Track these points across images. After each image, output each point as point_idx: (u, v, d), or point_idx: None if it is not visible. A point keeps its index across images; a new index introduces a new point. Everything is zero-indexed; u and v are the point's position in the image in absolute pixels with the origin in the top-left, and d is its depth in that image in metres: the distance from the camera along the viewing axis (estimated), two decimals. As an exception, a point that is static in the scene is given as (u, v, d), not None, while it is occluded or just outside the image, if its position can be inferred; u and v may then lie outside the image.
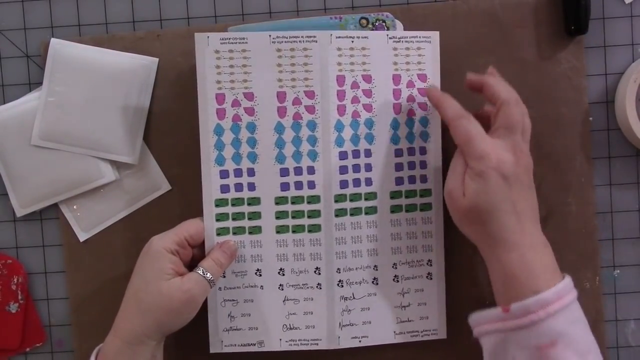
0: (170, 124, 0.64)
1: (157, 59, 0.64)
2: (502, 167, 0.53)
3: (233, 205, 0.61)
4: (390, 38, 0.61)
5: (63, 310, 0.66)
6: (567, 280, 0.54)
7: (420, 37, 0.62)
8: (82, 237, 0.65)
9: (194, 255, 0.60)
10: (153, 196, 0.65)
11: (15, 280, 0.65)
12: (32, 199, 0.64)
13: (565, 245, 0.65)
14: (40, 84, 0.64)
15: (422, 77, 0.62)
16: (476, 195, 0.54)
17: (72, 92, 0.63)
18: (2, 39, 0.66)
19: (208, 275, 0.57)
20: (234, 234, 0.61)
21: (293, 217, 0.61)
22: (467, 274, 0.64)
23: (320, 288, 0.61)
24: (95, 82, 0.63)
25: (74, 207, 0.65)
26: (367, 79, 0.61)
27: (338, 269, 0.61)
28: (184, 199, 0.64)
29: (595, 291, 0.65)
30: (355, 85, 0.61)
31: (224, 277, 0.61)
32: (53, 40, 0.64)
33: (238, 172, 0.61)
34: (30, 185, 0.64)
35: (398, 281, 0.62)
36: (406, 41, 0.61)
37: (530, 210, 0.55)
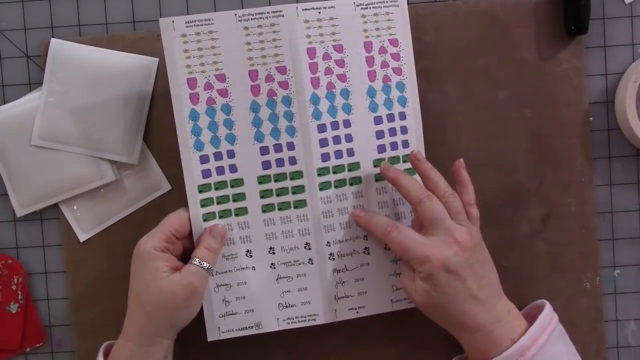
0: (170, 124, 0.64)
1: (157, 59, 0.64)
2: (447, 263, 0.54)
3: (216, 189, 0.60)
4: (357, 5, 0.60)
5: (63, 310, 0.66)
6: (541, 319, 0.56)
7: (387, 1, 0.61)
8: (82, 237, 0.65)
9: (184, 247, 0.60)
10: (153, 196, 0.65)
11: (16, 280, 0.65)
12: (32, 199, 0.64)
13: (565, 245, 0.65)
14: (40, 84, 0.64)
15: (394, 42, 0.61)
16: (429, 295, 0.55)
17: (72, 92, 0.63)
18: (2, 39, 0.66)
19: (204, 264, 0.57)
20: (220, 217, 0.60)
21: (278, 195, 0.61)
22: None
23: (312, 263, 0.61)
24: (95, 82, 0.63)
25: (74, 207, 0.65)
26: (339, 49, 0.61)
27: (328, 242, 0.61)
28: (184, 199, 0.64)
29: (595, 291, 0.65)
30: (326, 57, 0.60)
31: None
32: (53, 40, 0.64)
33: (218, 156, 0.60)
34: (30, 185, 0.64)
35: (389, 249, 0.62)
36: (374, 7, 0.61)
37: (489, 285, 0.56)
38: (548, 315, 0.57)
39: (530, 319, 0.56)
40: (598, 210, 0.65)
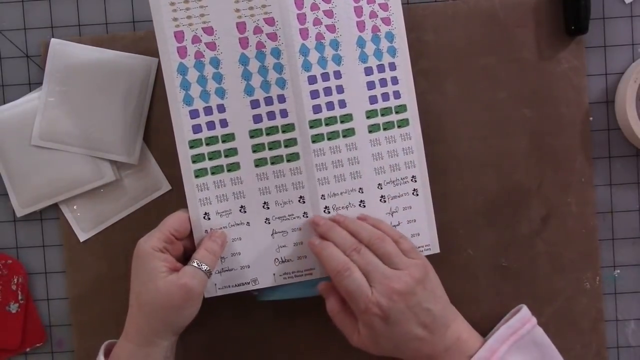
0: (170, 124, 0.64)
1: (157, 59, 0.64)
2: (387, 315, 0.54)
3: (207, 144, 0.60)
4: None
5: (63, 310, 0.66)
6: (501, 331, 0.56)
7: None
8: (82, 237, 0.65)
9: (185, 248, 0.59)
10: (153, 196, 0.65)
11: (16, 280, 0.65)
12: (32, 199, 0.64)
13: (565, 245, 0.65)
14: (40, 84, 0.64)
15: None
16: (376, 342, 0.55)
17: (72, 92, 0.63)
18: (2, 39, 0.66)
19: (203, 267, 0.56)
20: (212, 174, 0.60)
21: (270, 149, 0.60)
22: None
23: (307, 217, 0.60)
24: (95, 82, 0.63)
25: (74, 207, 0.65)
26: None
27: (322, 195, 0.60)
28: (184, 199, 0.64)
29: (595, 291, 0.65)
30: (315, 7, 0.60)
31: (209, 219, 0.60)
32: (53, 40, 0.64)
33: (208, 110, 0.60)
34: (30, 185, 0.64)
35: (385, 201, 0.61)
36: None
37: (436, 318, 0.55)
38: (511, 327, 0.57)
39: None
40: (598, 210, 0.65)
